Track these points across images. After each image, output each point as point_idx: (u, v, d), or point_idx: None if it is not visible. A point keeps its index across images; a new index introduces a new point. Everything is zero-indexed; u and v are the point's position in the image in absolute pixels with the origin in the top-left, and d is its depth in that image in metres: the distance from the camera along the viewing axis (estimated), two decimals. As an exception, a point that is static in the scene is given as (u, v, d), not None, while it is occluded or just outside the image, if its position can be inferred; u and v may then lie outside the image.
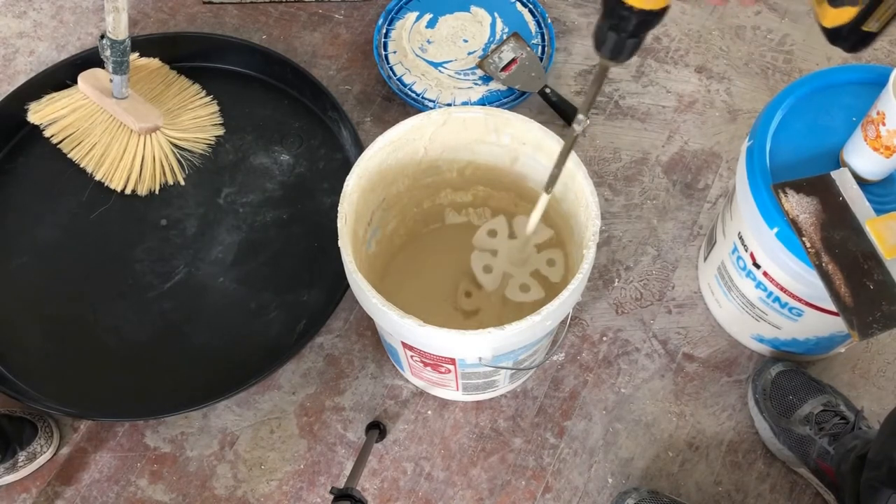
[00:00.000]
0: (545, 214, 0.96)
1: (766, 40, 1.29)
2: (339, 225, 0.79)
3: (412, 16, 1.26)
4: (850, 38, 0.55)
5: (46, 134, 1.17)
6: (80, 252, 1.11)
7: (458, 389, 0.95)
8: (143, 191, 1.14)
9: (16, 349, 1.04)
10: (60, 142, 1.16)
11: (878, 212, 0.78)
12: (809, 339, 0.96)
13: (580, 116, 0.70)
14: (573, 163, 0.82)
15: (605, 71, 0.65)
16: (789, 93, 0.87)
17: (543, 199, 0.81)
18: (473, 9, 1.27)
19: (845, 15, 0.53)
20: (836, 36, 0.55)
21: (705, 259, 1.05)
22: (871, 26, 0.53)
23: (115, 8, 1.01)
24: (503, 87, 1.20)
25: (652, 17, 0.58)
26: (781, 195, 0.78)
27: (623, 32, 0.60)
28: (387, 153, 0.86)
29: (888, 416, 0.81)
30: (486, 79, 1.21)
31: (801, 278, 0.83)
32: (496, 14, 1.26)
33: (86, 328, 1.06)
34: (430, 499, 0.98)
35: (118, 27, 1.04)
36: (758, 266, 0.89)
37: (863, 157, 0.79)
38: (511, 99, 1.19)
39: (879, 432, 0.83)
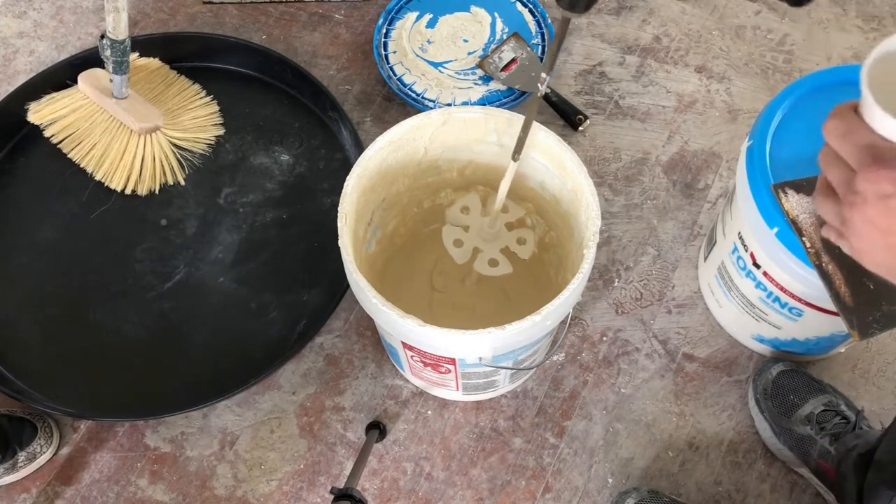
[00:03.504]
0: (543, 213, 0.97)
1: (766, 40, 1.29)
2: (339, 224, 0.79)
3: (412, 16, 1.26)
4: None
5: (46, 134, 1.17)
6: (80, 252, 1.11)
7: (458, 389, 0.95)
8: (143, 191, 1.14)
9: (16, 349, 1.04)
10: (60, 142, 1.16)
11: (879, 212, 0.77)
12: (809, 339, 0.96)
13: (543, 75, 0.72)
14: (574, 163, 0.82)
15: (566, 24, 0.67)
16: (789, 93, 0.87)
17: (511, 168, 0.82)
18: (473, 9, 1.27)
19: None
20: None
21: (705, 259, 1.05)
22: None
23: (115, 8, 1.01)
24: (503, 87, 1.20)
25: None
26: (781, 195, 0.78)
27: None
28: (387, 153, 0.86)
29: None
30: (486, 79, 1.21)
31: (801, 278, 0.83)
32: (496, 14, 1.26)
33: (86, 328, 1.06)
34: (430, 499, 0.98)
35: (118, 27, 1.04)
36: (758, 266, 0.89)
37: None
38: (511, 99, 1.19)
39: (888, 433, 0.83)
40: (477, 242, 0.95)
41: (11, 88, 1.19)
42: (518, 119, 0.85)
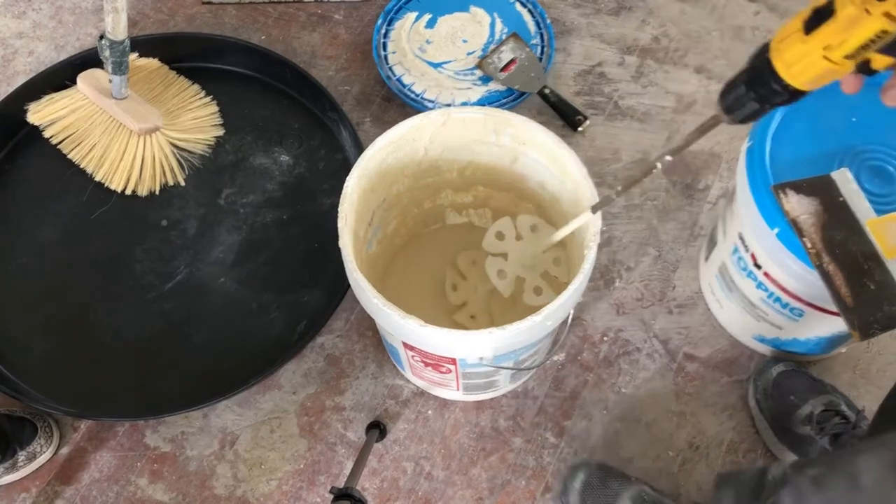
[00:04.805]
0: (543, 213, 0.97)
1: (765, 40, 1.28)
2: (339, 225, 0.79)
3: (411, 16, 1.26)
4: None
5: (46, 134, 1.17)
6: (80, 252, 1.11)
7: (458, 389, 0.95)
8: (143, 191, 1.14)
9: (16, 349, 1.04)
10: (60, 142, 1.16)
11: (879, 212, 0.78)
12: (810, 339, 0.96)
13: (667, 158, 0.70)
14: (574, 164, 0.82)
15: (715, 124, 0.64)
16: (789, 93, 0.87)
17: (583, 217, 0.78)
18: (473, 9, 1.27)
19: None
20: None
21: (706, 259, 1.05)
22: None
23: (115, 8, 1.01)
24: (502, 88, 1.20)
25: (799, 95, 0.57)
26: (781, 195, 0.78)
27: (767, 104, 0.60)
28: (387, 153, 0.86)
29: (874, 415, 0.81)
30: (486, 79, 1.21)
31: (802, 279, 0.83)
32: (495, 14, 1.26)
33: (86, 328, 1.06)
34: (430, 498, 0.98)
35: (117, 27, 1.03)
36: (759, 266, 0.89)
37: None
38: (510, 99, 1.19)
39: (867, 429, 0.83)
40: (518, 270, 0.93)
41: (11, 89, 1.19)
42: (519, 119, 0.85)
